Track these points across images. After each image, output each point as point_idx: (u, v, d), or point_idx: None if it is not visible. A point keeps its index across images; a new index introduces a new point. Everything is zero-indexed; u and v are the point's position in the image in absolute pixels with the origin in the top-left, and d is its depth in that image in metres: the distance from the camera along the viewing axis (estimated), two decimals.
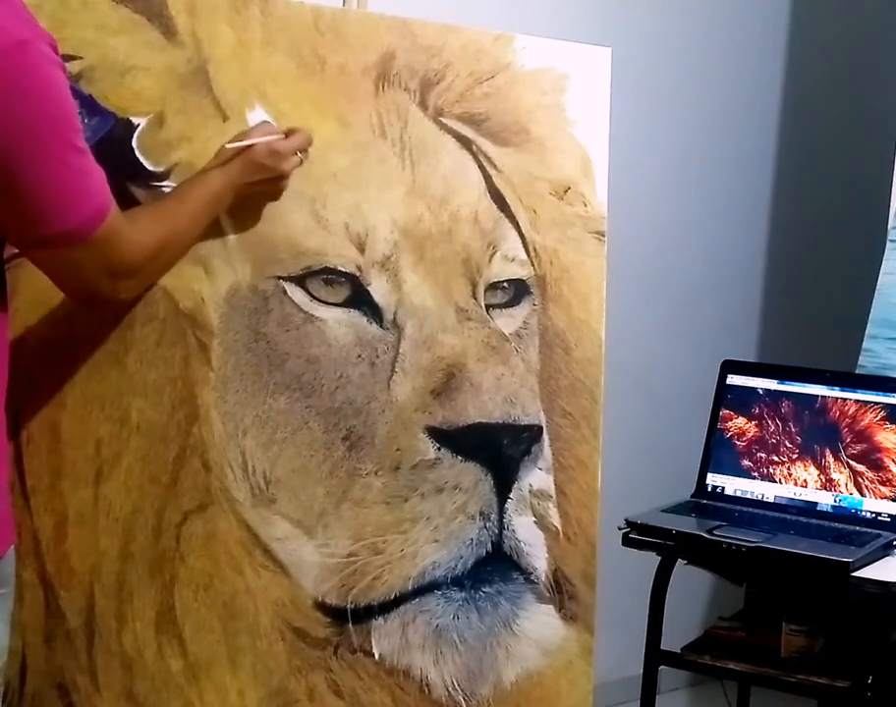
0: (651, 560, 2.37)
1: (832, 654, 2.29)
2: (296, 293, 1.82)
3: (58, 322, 1.68)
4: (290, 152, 1.76)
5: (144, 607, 1.74)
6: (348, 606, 1.86)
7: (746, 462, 2.49)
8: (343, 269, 1.86)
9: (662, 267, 3.30)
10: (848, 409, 2.42)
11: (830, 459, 2.41)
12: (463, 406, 1.92)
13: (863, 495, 2.36)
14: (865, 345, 2.73)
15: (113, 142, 1.71)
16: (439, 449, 1.89)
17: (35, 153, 1.34)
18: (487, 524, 1.93)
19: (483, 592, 1.94)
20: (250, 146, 1.71)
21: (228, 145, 1.72)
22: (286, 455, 1.81)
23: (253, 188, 1.75)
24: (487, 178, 2.00)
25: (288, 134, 1.76)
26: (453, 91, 1.97)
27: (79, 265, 1.46)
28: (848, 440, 2.40)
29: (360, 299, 1.87)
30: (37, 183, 1.36)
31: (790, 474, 2.44)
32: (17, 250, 1.50)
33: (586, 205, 2.08)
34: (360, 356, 1.86)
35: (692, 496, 2.50)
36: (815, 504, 2.40)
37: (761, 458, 2.47)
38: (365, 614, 1.87)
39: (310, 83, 1.86)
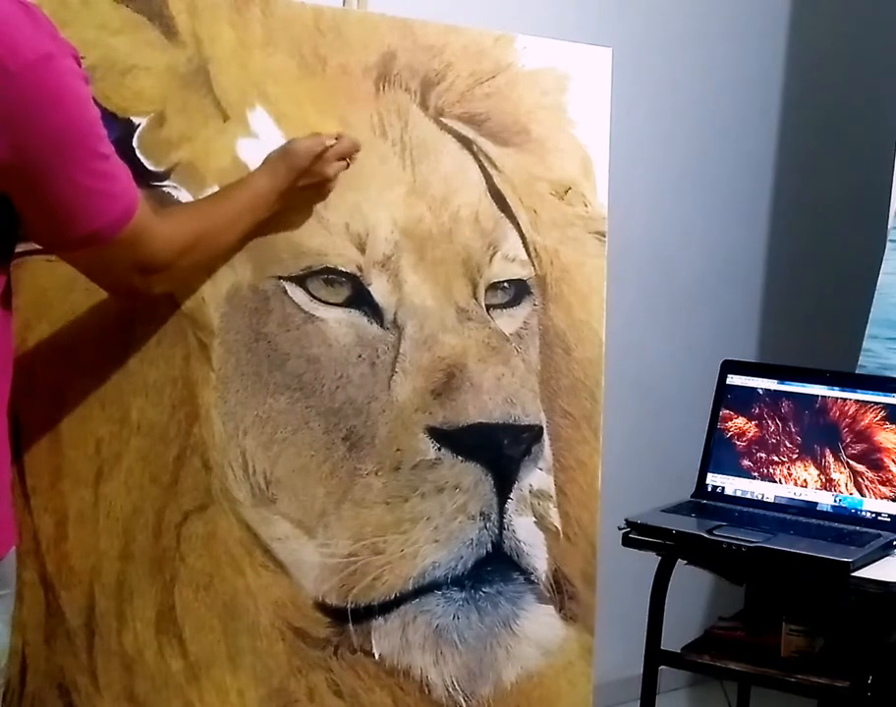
0: (651, 560, 2.37)
1: (832, 654, 2.29)
2: (296, 293, 1.82)
3: (58, 322, 1.68)
4: (335, 158, 1.80)
5: (145, 607, 1.74)
6: (348, 606, 1.86)
7: (746, 462, 2.49)
8: (343, 269, 1.86)
9: (662, 267, 3.30)
10: (848, 409, 2.42)
11: (830, 459, 2.41)
12: (463, 406, 1.92)
13: (863, 495, 2.36)
14: (865, 345, 2.73)
15: (113, 143, 1.70)
16: (439, 449, 1.89)
17: (61, 163, 1.38)
18: (487, 525, 1.93)
19: (483, 592, 1.94)
20: (295, 151, 1.76)
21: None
22: (286, 455, 1.81)
23: (300, 191, 1.79)
24: (488, 178, 2.00)
25: (337, 137, 1.80)
26: (454, 92, 1.97)
27: (109, 263, 1.51)
28: (848, 440, 2.40)
29: (360, 298, 1.87)
30: (64, 190, 1.39)
31: (790, 474, 2.44)
32: (21, 250, 1.52)
33: (586, 205, 2.08)
34: (360, 356, 1.86)
35: (692, 496, 2.50)
36: (815, 504, 2.40)
37: (761, 458, 2.47)
38: (366, 614, 1.87)
39: (311, 83, 1.86)
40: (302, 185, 1.78)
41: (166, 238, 1.56)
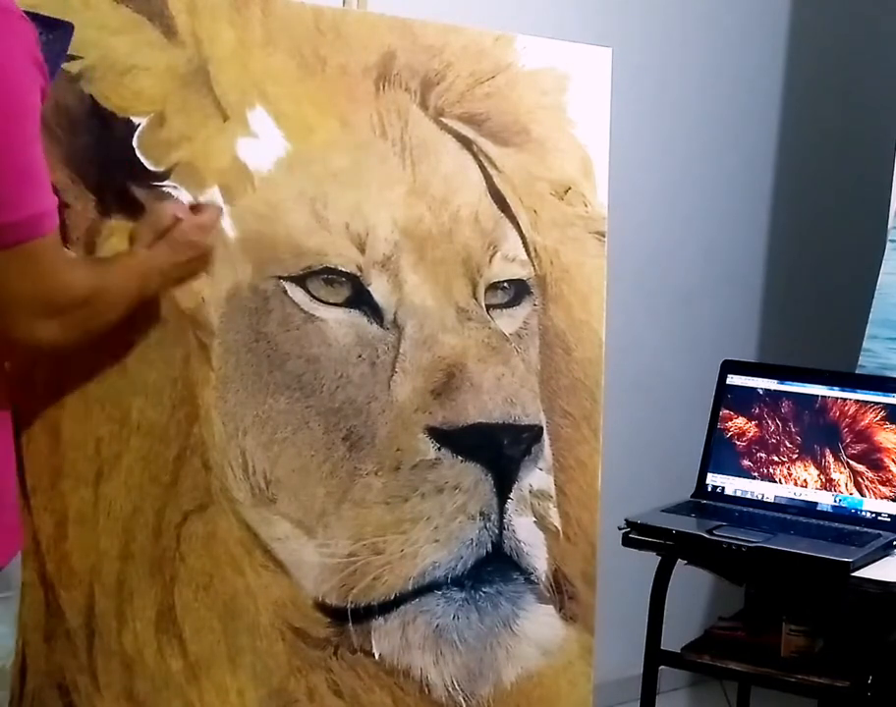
0: (651, 560, 2.37)
1: (832, 654, 2.29)
2: (296, 293, 1.82)
3: None
4: (212, 224, 1.71)
5: (144, 607, 1.74)
6: (348, 606, 1.86)
7: (746, 462, 2.49)
8: (343, 269, 1.86)
9: (662, 267, 3.30)
10: (848, 409, 2.42)
11: (830, 459, 2.41)
12: (463, 406, 1.92)
13: (863, 495, 2.36)
14: (865, 345, 2.73)
15: (113, 142, 1.71)
16: (439, 449, 1.89)
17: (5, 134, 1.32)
18: (487, 525, 1.93)
19: (484, 592, 1.94)
20: (175, 225, 1.66)
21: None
22: (286, 455, 1.81)
23: (181, 268, 1.69)
24: (488, 178, 2.00)
25: (196, 208, 1.71)
26: (454, 91, 1.97)
27: (9, 278, 1.39)
28: (848, 440, 2.40)
29: (360, 298, 1.87)
30: (4, 162, 1.33)
31: (790, 474, 2.44)
32: None
33: (586, 206, 2.08)
34: (360, 356, 1.86)
35: (692, 496, 2.50)
36: (815, 504, 2.40)
37: (761, 458, 2.47)
38: (366, 614, 1.87)
39: (311, 83, 1.86)
40: (184, 259, 1.68)
41: (68, 280, 1.46)
